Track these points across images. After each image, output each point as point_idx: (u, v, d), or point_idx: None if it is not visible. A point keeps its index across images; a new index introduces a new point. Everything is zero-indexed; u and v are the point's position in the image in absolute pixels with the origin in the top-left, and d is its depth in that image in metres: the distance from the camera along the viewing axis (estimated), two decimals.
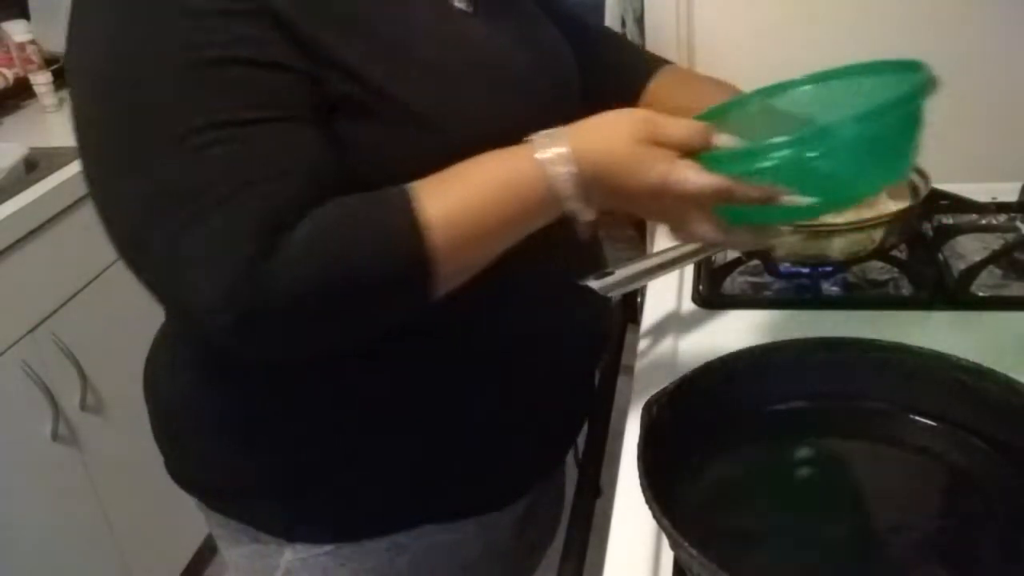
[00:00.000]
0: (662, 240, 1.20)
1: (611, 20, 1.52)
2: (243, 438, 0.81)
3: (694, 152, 0.69)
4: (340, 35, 0.67)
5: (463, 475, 0.84)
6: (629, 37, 1.57)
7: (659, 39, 1.36)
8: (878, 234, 0.98)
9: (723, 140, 0.71)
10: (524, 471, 0.90)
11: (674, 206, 0.69)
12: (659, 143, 0.68)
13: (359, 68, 0.68)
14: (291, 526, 0.83)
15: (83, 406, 1.58)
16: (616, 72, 0.98)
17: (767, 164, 0.67)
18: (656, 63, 1.00)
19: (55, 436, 1.50)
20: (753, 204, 0.68)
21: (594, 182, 0.68)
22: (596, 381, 0.98)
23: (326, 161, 0.67)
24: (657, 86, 0.97)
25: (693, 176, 0.68)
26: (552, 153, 0.68)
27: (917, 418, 0.75)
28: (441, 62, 0.72)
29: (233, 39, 0.64)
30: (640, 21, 1.42)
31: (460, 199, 0.67)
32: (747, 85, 1.45)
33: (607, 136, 0.69)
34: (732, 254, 1.08)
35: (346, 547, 0.83)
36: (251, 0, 0.64)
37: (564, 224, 0.70)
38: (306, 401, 0.78)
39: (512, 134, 0.70)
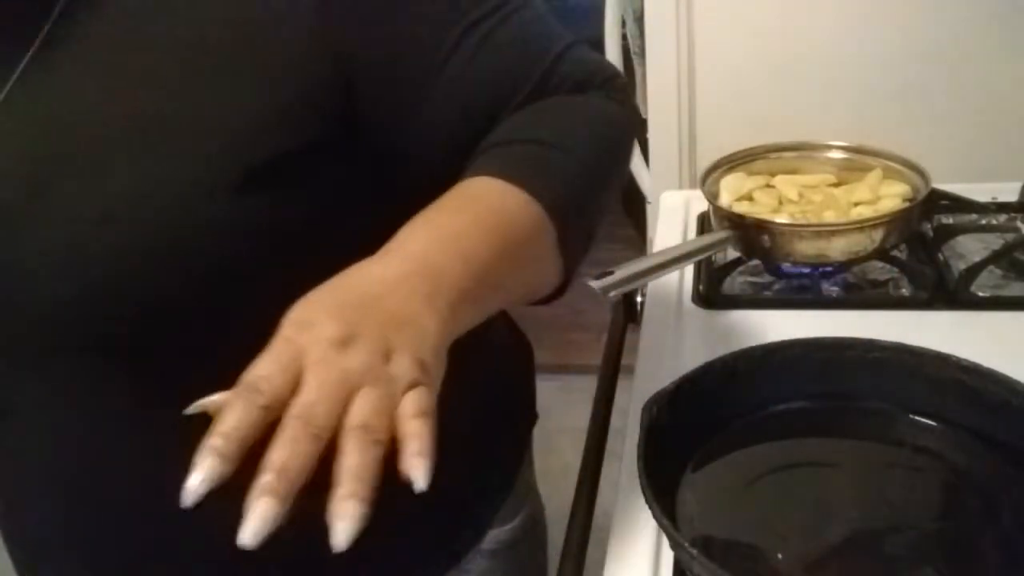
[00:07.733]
0: (662, 240, 1.20)
1: (611, 20, 1.53)
2: None
3: None
4: None
5: None
6: (629, 37, 1.57)
7: (659, 39, 1.36)
8: (878, 234, 0.98)
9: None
10: None
11: None
12: None
13: None
14: None
15: None
16: None
17: None
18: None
19: None
20: None
21: None
22: None
23: None
24: None
25: None
26: None
27: (917, 418, 0.75)
28: None
29: None
30: (640, 21, 1.42)
31: None
32: (747, 84, 1.46)
33: None
34: (732, 254, 1.08)
35: None
36: None
37: None
38: None
39: None
